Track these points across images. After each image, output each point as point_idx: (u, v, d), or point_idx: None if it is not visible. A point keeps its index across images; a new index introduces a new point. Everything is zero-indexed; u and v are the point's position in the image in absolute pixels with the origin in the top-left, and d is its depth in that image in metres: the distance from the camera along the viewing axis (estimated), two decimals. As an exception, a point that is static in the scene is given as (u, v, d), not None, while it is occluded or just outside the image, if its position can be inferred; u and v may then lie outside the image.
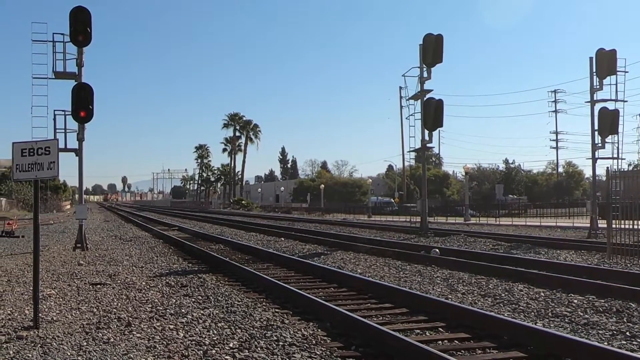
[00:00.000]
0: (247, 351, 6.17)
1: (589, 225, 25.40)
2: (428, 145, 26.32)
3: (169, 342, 6.53)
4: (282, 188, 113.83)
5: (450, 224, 37.37)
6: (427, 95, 25.34)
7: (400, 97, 65.63)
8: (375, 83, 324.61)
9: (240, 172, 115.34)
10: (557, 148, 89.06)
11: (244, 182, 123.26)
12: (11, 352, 6.17)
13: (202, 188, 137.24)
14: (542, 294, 9.59)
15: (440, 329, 7.26)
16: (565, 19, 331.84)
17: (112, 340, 6.65)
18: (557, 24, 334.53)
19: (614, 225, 15.34)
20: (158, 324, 7.47)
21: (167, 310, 8.32)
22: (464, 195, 51.82)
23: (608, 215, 15.69)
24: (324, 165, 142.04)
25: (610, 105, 24.27)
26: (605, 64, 23.77)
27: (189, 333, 6.97)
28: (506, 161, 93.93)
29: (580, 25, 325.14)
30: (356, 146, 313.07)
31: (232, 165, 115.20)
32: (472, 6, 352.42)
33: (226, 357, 5.99)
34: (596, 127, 24.07)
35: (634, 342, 6.54)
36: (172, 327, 7.28)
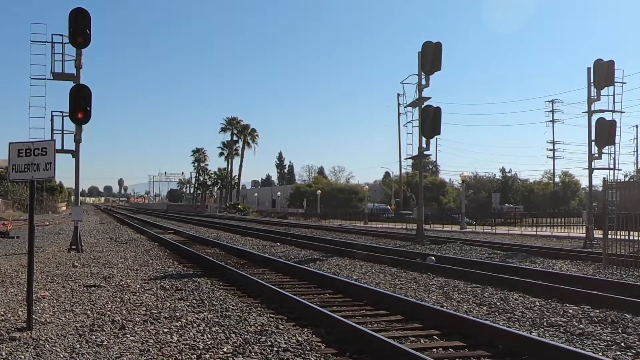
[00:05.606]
0: (241, 356, 6.15)
1: (584, 235, 25.43)
2: (425, 152, 26.32)
3: (163, 346, 6.50)
4: (279, 193, 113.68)
5: (446, 232, 37.35)
6: (425, 103, 25.36)
7: (398, 104, 65.58)
8: (373, 90, 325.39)
9: (237, 177, 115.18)
10: (554, 158, 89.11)
11: (240, 187, 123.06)
12: (3, 354, 6.13)
13: (199, 192, 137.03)
14: (538, 304, 9.58)
15: (435, 336, 7.23)
16: (563, 29, 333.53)
17: (105, 342, 6.62)
18: (555, 35, 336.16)
19: (609, 236, 15.34)
20: (152, 327, 7.44)
21: (162, 314, 8.29)
22: (461, 203, 51.83)
23: (604, 225, 15.70)
24: (321, 170, 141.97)
25: (608, 116, 24.39)
26: (603, 74, 23.86)
27: (183, 337, 6.94)
28: (503, 170, 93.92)
29: (578, 35, 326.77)
30: (353, 152, 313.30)
31: (229, 169, 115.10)
32: (471, 17, 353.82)
33: (220, 361, 5.97)
34: (593, 138, 24.14)
35: (628, 353, 6.53)
36: (166, 330, 7.25)
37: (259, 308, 9.02)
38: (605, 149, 24.14)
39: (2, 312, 8.30)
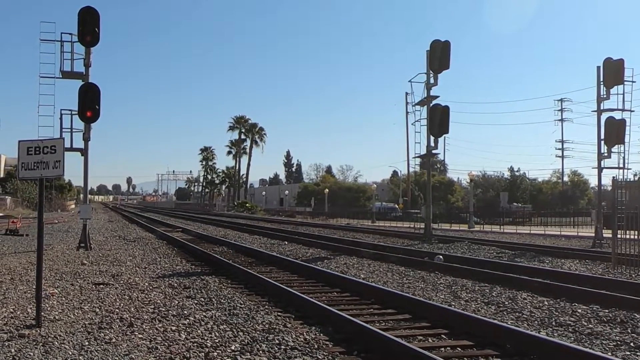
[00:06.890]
0: (248, 354, 6.15)
1: (593, 234, 25.29)
2: (433, 151, 26.24)
3: (171, 344, 6.52)
4: (287, 192, 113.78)
5: (454, 231, 37.26)
6: (434, 102, 25.27)
7: (407, 103, 65.51)
8: (381, 88, 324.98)
9: (244, 175, 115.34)
10: (562, 157, 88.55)
11: (248, 185, 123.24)
12: (13, 351, 6.17)
13: (207, 190, 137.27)
14: (546, 303, 9.53)
15: (443, 335, 7.22)
16: (572, 27, 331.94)
17: (113, 340, 6.64)
18: (564, 33, 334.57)
19: (619, 235, 15.26)
20: (160, 325, 7.46)
21: (170, 312, 8.31)
22: (469, 202, 51.70)
23: (613, 225, 15.61)
24: (328, 169, 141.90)
25: (617, 115, 24.21)
26: (612, 73, 23.69)
27: (190, 335, 6.95)
28: (511, 169, 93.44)
29: (587, 34, 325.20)
30: (361, 151, 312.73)
31: (237, 168, 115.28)
32: (479, 15, 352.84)
33: (228, 359, 5.97)
34: (602, 137, 23.98)
35: (638, 353, 6.49)
36: (174, 328, 7.27)
37: (266, 306, 9.03)
38: (615, 148, 23.97)
39: (11, 310, 8.35)
